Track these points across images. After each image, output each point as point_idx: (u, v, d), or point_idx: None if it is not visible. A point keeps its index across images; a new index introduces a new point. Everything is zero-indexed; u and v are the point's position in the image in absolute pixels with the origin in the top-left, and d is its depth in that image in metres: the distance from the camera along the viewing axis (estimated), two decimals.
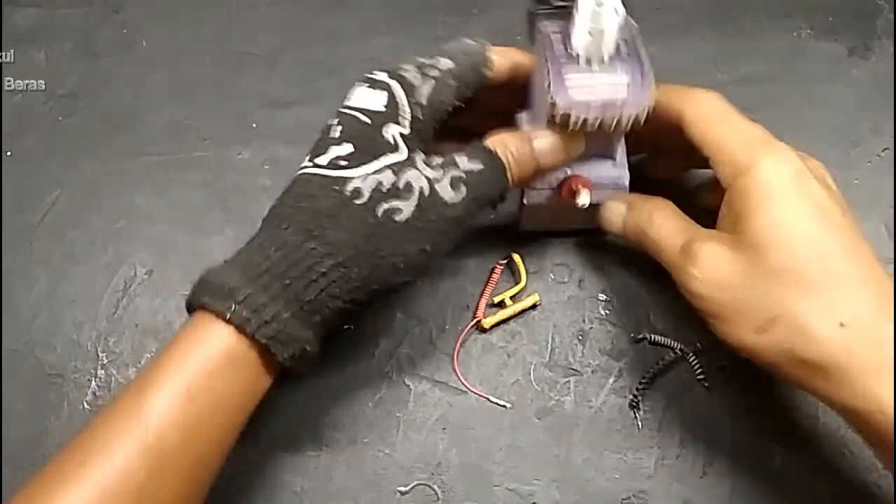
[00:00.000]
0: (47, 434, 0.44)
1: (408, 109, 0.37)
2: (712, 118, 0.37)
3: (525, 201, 0.43)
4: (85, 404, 0.45)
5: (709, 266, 0.35)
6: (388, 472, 0.42)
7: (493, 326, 0.45)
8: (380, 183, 0.35)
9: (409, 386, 0.44)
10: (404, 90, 0.38)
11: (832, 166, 0.37)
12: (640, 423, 0.43)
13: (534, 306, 0.45)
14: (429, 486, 0.42)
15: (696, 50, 0.56)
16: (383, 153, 0.36)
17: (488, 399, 0.43)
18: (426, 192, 0.35)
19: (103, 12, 0.59)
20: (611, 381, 0.44)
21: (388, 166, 0.35)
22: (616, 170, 0.42)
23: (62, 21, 0.59)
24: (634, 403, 0.43)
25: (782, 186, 0.33)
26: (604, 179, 0.42)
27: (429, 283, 0.47)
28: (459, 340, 0.45)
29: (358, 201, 0.34)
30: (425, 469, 0.42)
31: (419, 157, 0.37)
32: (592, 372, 0.44)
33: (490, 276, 0.47)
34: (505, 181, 0.38)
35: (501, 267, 0.47)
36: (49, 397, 0.45)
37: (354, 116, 0.37)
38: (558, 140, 0.39)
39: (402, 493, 0.41)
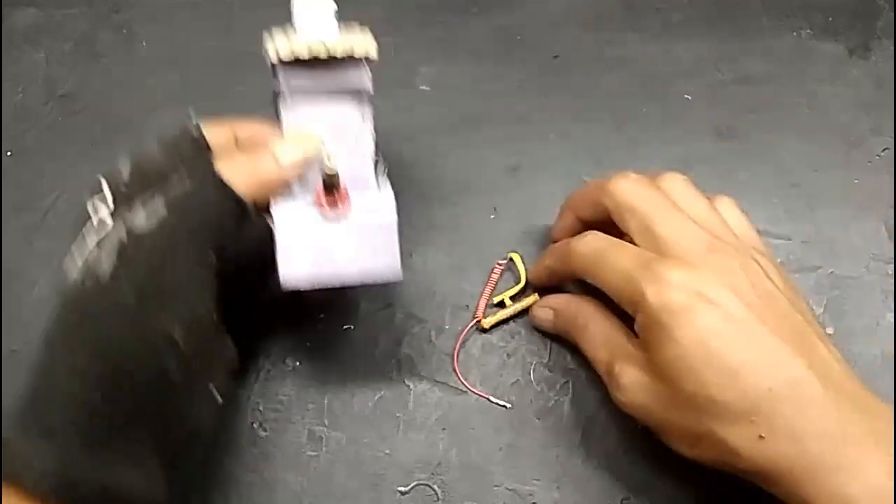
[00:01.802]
0: None
1: (108, 192, 0.33)
2: (591, 259, 0.37)
3: (274, 217, 0.34)
4: None
5: (631, 392, 0.35)
6: (388, 472, 0.42)
7: (493, 326, 0.45)
8: (87, 261, 0.31)
9: (409, 386, 0.44)
10: (105, 179, 0.34)
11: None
12: (640, 423, 0.43)
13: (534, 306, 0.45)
14: (429, 486, 0.42)
15: (696, 50, 0.56)
16: (93, 234, 0.32)
17: (489, 399, 0.43)
18: (124, 237, 0.30)
19: (103, 12, 0.59)
20: None
21: (95, 245, 0.31)
22: (382, 193, 0.36)
23: (62, 21, 0.59)
24: None
25: (675, 314, 0.31)
26: (368, 200, 0.36)
27: (429, 284, 0.47)
28: (459, 341, 0.45)
29: (68, 289, 0.31)
30: (425, 469, 0.42)
31: (128, 211, 0.32)
32: (592, 372, 0.44)
33: (490, 276, 0.47)
34: (227, 198, 0.32)
35: (501, 267, 0.47)
36: None
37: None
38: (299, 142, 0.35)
39: (402, 493, 0.41)
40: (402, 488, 0.41)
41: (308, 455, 0.42)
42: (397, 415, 0.43)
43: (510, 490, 0.41)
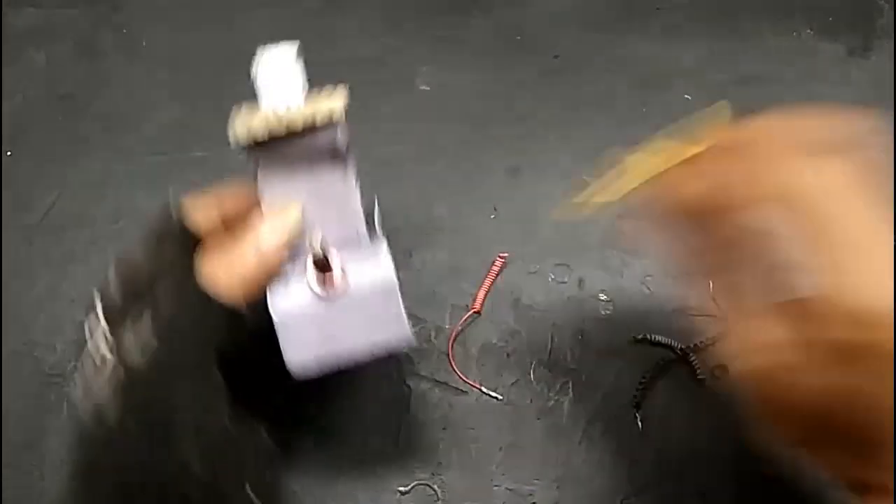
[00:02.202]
0: (47, 434, 0.44)
1: (98, 304, 0.32)
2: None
3: (272, 312, 0.32)
4: None
5: None
6: (388, 472, 0.42)
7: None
8: (95, 406, 0.30)
9: (409, 386, 0.44)
10: (99, 294, 0.33)
11: None
12: (640, 423, 0.43)
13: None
14: (429, 486, 0.42)
15: (696, 50, 0.56)
16: (93, 366, 0.31)
17: (480, 390, 0.43)
18: (122, 373, 0.29)
19: (103, 12, 0.59)
20: (611, 381, 0.44)
21: (96, 379, 0.30)
22: (375, 250, 0.34)
23: (62, 21, 0.59)
24: (634, 403, 0.43)
25: None
26: (363, 262, 0.33)
27: (429, 284, 0.47)
28: (457, 328, 0.45)
29: (83, 433, 0.30)
30: (425, 469, 0.42)
31: (121, 338, 0.31)
32: (592, 372, 0.44)
33: (490, 269, 0.47)
34: (216, 309, 0.30)
35: (503, 260, 0.47)
36: (49, 397, 0.45)
37: None
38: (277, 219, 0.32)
39: (402, 493, 0.41)
40: (402, 488, 0.41)
41: (308, 455, 0.42)
42: (397, 415, 0.43)
43: (510, 490, 0.41)
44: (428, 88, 0.55)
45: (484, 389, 0.44)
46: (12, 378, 0.46)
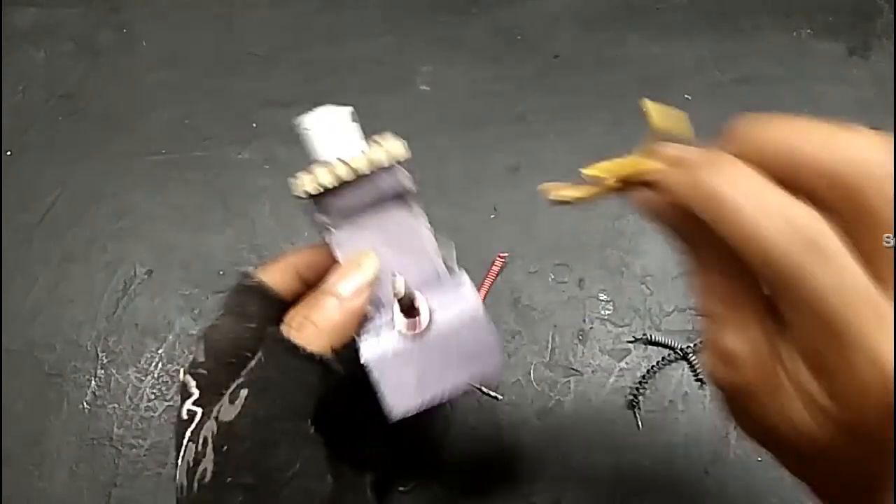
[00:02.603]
0: (47, 434, 0.44)
1: (191, 380, 0.32)
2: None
3: (365, 360, 0.32)
4: (85, 404, 0.45)
5: None
6: (389, 471, 0.42)
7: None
8: (187, 463, 0.30)
9: None
10: (185, 368, 0.34)
11: None
12: (640, 423, 0.43)
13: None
14: (429, 485, 0.42)
15: (696, 50, 0.56)
16: (184, 434, 0.31)
17: (480, 390, 0.43)
18: (214, 430, 0.29)
19: (103, 12, 0.59)
20: (611, 381, 0.44)
21: (189, 440, 0.31)
22: (457, 284, 0.34)
23: (62, 21, 0.59)
24: (634, 403, 0.43)
25: None
26: (447, 297, 0.33)
27: None
28: None
29: (181, 495, 0.30)
30: (426, 469, 0.42)
31: (216, 403, 0.31)
32: (592, 372, 0.44)
33: (491, 268, 0.47)
34: (308, 368, 0.30)
35: (502, 260, 0.47)
36: (49, 397, 0.45)
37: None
38: (351, 265, 0.32)
39: (404, 493, 0.41)
40: (402, 488, 0.41)
41: None
42: None
43: (510, 490, 0.41)
44: (428, 88, 0.55)
45: (484, 389, 0.44)
46: (12, 378, 0.46)
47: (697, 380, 0.43)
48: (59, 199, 0.52)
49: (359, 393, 0.33)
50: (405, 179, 0.32)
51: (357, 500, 0.34)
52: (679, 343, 0.44)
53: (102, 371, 0.46)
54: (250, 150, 0.53)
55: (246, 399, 0.29)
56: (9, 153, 0.53)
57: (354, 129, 0.32)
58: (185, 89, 0.55)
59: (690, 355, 0.44)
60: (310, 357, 0.30)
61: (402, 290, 0.30)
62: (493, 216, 0.49)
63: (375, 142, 0.31)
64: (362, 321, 0.32)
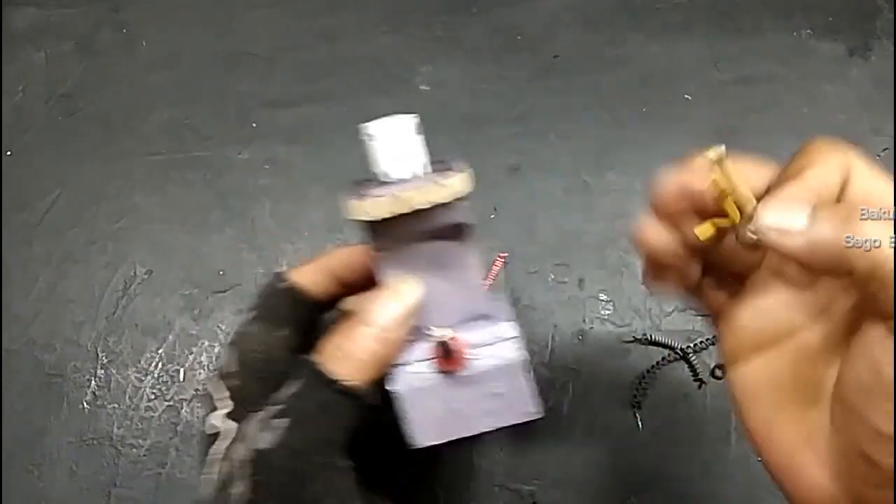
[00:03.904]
0: (47, 434, 0.44)
1: (223, 389, 0.32)
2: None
3: (395, 390, 0.31)
4: (85, 404, 0.45)
5: None
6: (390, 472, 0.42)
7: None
8: (216, 482, 0.29)
9: None
10: (218, 374, 0.33)
11: None
12: (640, 423, 0.43)
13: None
14: (430, 486, 0.42)
15: (696, 50, 0.56)
16: (213, 447, 0.31)
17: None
18: (250, 457, 0.29)
19: (103, 12, 0.59)
20: (611, 380, 0.44)
21: (220, 458, 0.30)
22: (500, 326, 0.33)
23: (62, 21, 0.59)
24: (634, 403, 0.43)
25: None
26: (486, 339, 0.32)
27: None
28: None
29: None
30: (427, 469, 0.42)
31: (248, 422, 0.30)
32: (592, 372, 0.44)
33: (491, 268, 0.47)
34: (343, 400, 0.30)
35: (503, 259, 0.47)
36: (49, 397, 0.45)
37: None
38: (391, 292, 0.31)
39: (403, 493, 0.41)
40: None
41: None
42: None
43: (510, 490, 0.41)
44: (428, 88, 0.55)
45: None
46: (12, 378, 0.46)
47: (697, 380, 0.43)
48: (59, 199, 0.52)
49: (388, 418, 0.32)
50: (464, 215, 0.31)
51: None
52: (679, 343, 0.44)
53: (102, 371, 0.46)
54: (250, 150, 0.53)
55: (284, 430, 0.29)
56: (9, 153, 0.53)
57: (418, 142, 0.31)
58: (185, 89, 0.55)
59: (690, 355, 0.44)
60: (347, 391, 0.29)
61: (445, 335, 0.30)
62: (493, 216, 0.49)
63: (440, 172, 0.30)
64: (398, 354, 0.31)
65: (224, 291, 0.48)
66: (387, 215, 0.29)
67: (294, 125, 0.53)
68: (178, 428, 0.44)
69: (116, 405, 0.45)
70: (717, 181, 0.27)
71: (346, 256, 0.35)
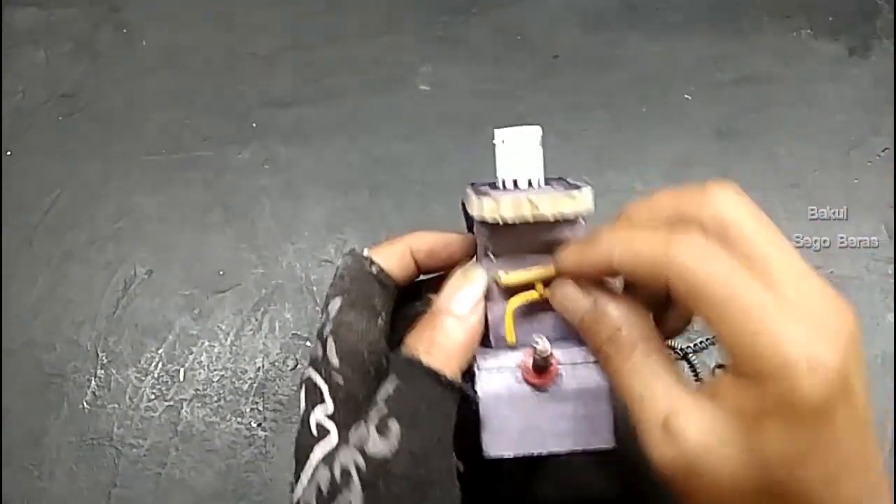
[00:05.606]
0: (47, 433, 0.44)
1: (323, 384, 0.30)
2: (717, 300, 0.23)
3: (479, 391, 0.31)
4: (85, 404, 0.45)
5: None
6: None
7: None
8: (318, 489, 0.28)
9: None
10: (314, 367, 0.31)
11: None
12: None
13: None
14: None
15: (696, 50, 0.56)
16: (311, 450, 0.29)
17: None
18: (362, 465, 0.28)
19: (103, 12, 0.59)
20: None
21: (321, 461, 0.29)
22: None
23: (62, 21, 0.59)
24: None
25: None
26: (577, 359, 0.32)
27: None
28: None
29: None
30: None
31: (352, 429, 0.29)
32: None
33: None
34: (434, 380, 0.28)
35: None
36: (49, 397, 0.45)
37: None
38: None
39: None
40: None
41: None
42: None
43: (511, 490, 0.41)
44: (428, 88, 0.55)
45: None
46: (12, 378, 0.46)
47: (697, 380, 0.43)
48: (59, 199, 0.52)
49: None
50: (581, 232, 0.31)
51: None
52: (679, 343, 0.44)
53: (102, 371, 0.46)
54: (250, 150, 0.53)
55: (398, 433, 0.27)
56: (9, 153, 0.53)
57: (538, 153, 0.31)
58: (185, 89, 0.55)
59: (690, 355, 0.44)
60: (450, 385, 0.28)
61: (546, 350, 0.29)
62: None
63: (570, 185, 0.30)
64: (478, 342, 0.30)
65: (224, 291, 0.48)
66: (517, 220, 0.29)
67: (294, 125, 0.53)
68: (178, 428, 0.44)
69: (116, 405, 0.45)
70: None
71: (432, 241, 0.34)
